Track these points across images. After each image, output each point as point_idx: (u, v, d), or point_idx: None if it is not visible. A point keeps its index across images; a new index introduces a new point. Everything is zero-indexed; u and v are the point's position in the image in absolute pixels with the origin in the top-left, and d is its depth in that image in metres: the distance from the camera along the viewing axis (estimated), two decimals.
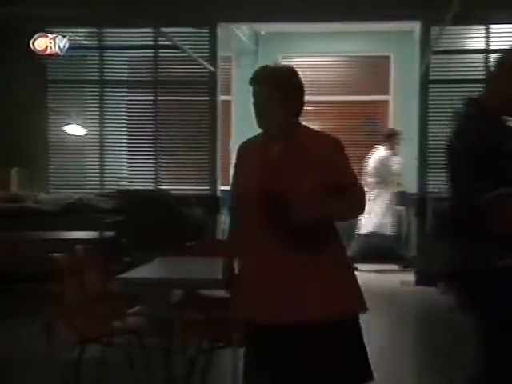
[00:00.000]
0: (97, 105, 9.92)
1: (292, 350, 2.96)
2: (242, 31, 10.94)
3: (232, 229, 3.37)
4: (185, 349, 4.62)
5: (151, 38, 9.70)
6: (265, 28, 11.38)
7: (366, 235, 10.18)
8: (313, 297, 2.95)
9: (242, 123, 9.63)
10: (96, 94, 9.94)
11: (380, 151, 10.32)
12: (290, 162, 3.04)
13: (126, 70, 10.16)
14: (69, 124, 9.64)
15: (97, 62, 9.90)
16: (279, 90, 3.03)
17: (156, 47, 9.71)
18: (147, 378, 4.64)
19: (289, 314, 2.94)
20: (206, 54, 9.51)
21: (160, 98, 9.87)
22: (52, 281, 4.86)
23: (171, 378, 4.57)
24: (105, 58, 9.89)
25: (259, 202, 2.97)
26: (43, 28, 8.41)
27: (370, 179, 10.21)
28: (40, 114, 9.62)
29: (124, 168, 10.10)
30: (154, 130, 9.90)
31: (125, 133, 10.06)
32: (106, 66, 9.91)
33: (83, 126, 9.72)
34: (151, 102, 9.91)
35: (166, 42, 9.29)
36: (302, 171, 3.00)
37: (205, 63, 9.29)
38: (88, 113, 9.97)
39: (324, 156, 3.02)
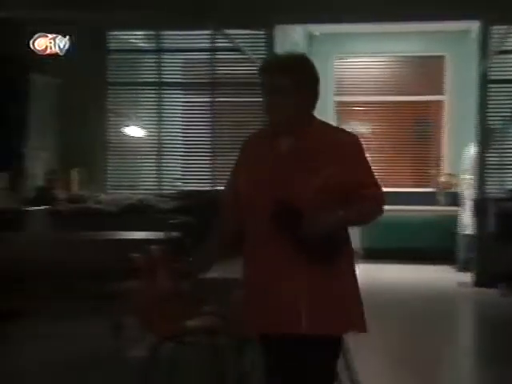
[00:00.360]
0: (154, 106, 10.04)
1: (294, 359, 2.74)
2: (296, 32, 10.96)
3: (221, 228, 3.04)
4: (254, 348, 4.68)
5: (208, 40, 9.79)
6: (319, 29, 11.40)
7: (471, 236, 9.81)
8: (318, 309, 2.71)
9: None
10: (154, 95, 10.06)
11: (471, 148, 9.88)
12: (301, 158, 2.74)
13: (182, 72, 10.26)
14: (128, 126, 9.79)
15: (154, 64, 10.02)
16: (288, 78, 2.73)
17: (213, 49, 9.79)
18: (218, 376, 4.70)
19: (294, 325, 2.70)
20: (263, 56, 9.55)
21: (217, 99, 9.96)
22: (124, 280, 4.96)
23: (242, 377, 4.63)
24: (162, 60, 10.01)
25: (266, 204, 2.69)
26: (105, 31, 8.56)
27: (467, 176, 9.97)
28: (100, 116, 9.79)
29: (179, 169, 10.21)
30: (210, 131, 9.99)
31: (181, 134, 10.17)
32: (163, 68, 10.03)
33: (141, 128, 9.87)
34: (208, 104, 10.00)
35: (223, 44, 9.36)
36: (313, 169, 2.70)
37: None
38: (146, 114, 10.11)
39: (339, 152, 2.73)
